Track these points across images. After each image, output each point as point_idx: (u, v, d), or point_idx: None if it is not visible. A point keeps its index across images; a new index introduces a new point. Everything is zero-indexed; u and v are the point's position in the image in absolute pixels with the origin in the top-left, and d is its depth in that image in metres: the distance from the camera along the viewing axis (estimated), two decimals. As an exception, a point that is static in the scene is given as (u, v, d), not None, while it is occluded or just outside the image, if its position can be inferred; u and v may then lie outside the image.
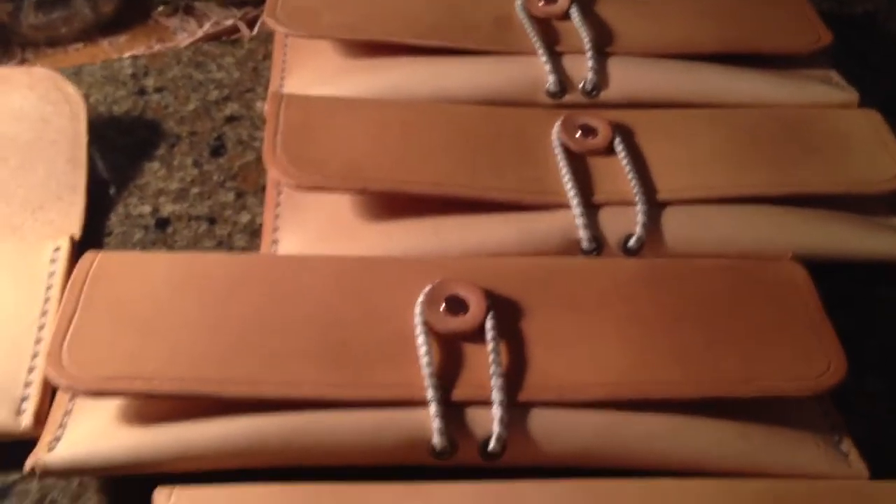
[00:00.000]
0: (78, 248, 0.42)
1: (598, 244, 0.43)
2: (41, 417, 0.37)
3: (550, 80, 0.49)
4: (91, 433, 0.35)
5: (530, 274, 0.40)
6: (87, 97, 0.49)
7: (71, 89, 0.48)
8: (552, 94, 0.49)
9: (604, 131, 0.46)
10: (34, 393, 0.37)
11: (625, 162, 0.44)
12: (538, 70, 0.50)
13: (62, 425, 0.36)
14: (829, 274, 0.41)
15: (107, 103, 0.52)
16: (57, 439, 0.35)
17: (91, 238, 0.44)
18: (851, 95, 0.50)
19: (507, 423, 0.35)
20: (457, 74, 0.50)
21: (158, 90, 0.53)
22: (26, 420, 0.36)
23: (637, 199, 0.43)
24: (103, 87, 0.53)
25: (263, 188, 0.46)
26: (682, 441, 0.36)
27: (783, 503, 0.33)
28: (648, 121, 0.47)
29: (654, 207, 0.43)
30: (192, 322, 0.37)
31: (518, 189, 0.44)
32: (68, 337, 0.36)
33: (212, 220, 0.46)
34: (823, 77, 0.52)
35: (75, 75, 0.52)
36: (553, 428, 0.36)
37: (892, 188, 0.45)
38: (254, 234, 0.46)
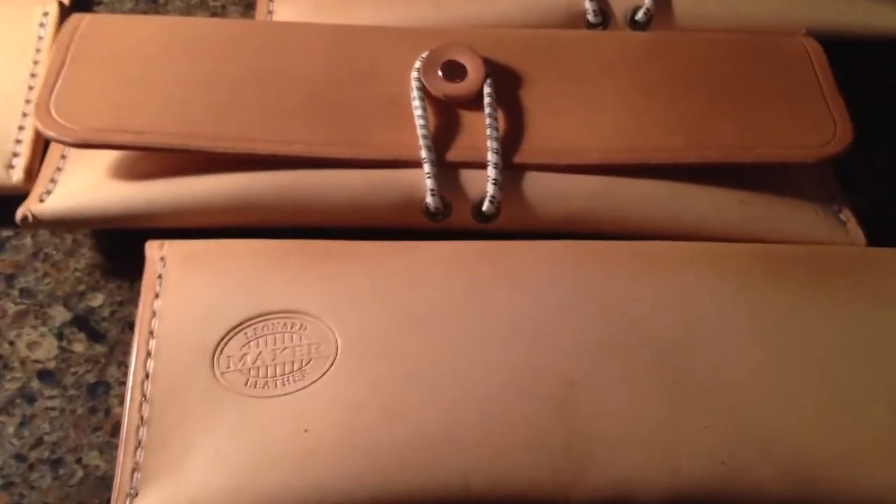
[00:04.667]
0: (67, 15, 0.40)
1: (605, 17, 0.41)
2: (32, 173, 0.36)
3: None
4: (82, 186, 0.35)
5: (532, 44, 0.39)
6: None
7: None
8: None
9: None
10: (25, 149, 0.37)
11: (637, -66, 0.42)
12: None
13: (53, 180, 0.36)
14: (844, 56, 0.40)
15: None
16: (48, 192, 0.35)
17: (80, 6, 0.43)
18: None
19: (501, 184, 0.35)
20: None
21: None
22: (17, 174, 0.36)
23: (648, -30, 0.41)
24: None
25: (259, -39, 0.45)
26: (679, 206, 0.35)
27: (779, 265, 0.33)
28: None
29: (666, -21, 0.41)
30: (184, 78, 0.36)
31: (524, -40, 0.42)
32: (56, 89, 0.35)
33: (205, -8, 0.45)
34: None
35: None
36: (549, 191, 0.35)
37: (915, -36, 0.43)
38: (248, 6, 0.44)
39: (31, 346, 0.34)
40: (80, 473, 0.32)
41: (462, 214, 0.35)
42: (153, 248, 0.33)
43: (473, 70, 0.37)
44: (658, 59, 0.38)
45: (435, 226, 0.35)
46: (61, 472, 0.32)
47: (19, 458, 0.32)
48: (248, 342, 0.31)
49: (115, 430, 0.32)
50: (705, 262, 0.33)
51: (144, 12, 0.44)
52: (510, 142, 0.36)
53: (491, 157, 0.35)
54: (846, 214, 0.36)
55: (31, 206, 0.34)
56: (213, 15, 0.44)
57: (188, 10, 0.44)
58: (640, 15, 0.41)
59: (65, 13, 0.41)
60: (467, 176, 0.35)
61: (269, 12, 0.42)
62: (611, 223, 0.36)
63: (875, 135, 0.41)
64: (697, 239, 0.35)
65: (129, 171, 0.35)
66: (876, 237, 0.36)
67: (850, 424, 0.30)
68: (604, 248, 0.34)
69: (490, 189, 0.35)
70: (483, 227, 0.35)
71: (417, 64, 0.37)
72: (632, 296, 0.32)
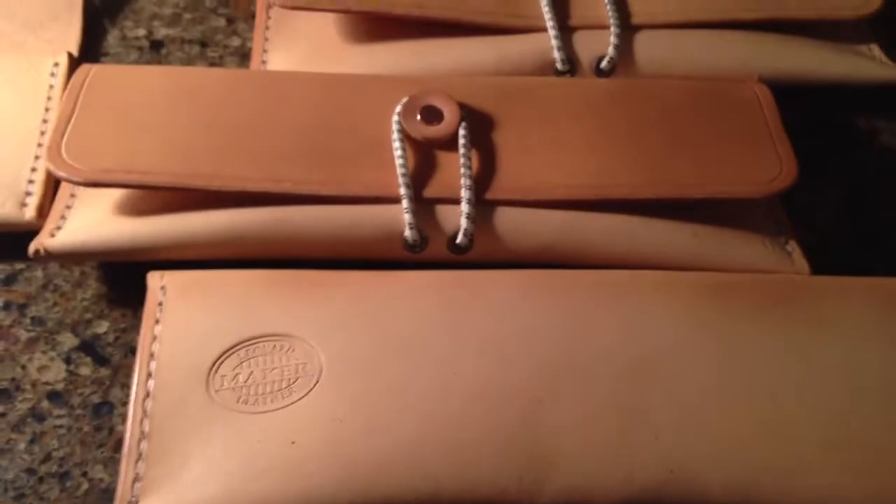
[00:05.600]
0: (76, 66, 0.44)
1: (572, 66, 0.45)
2: (44, 210, 0.39)
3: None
4: (90, 222, 0.38)
5: (504, 90, 0.42)
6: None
7: (67, -85, 0.49)
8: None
9: (584, -41, 0.47)
10: (37, 189, 0.40)
11: (603, -13, 0.46)
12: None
13: (63, 217, 0.39)
14: (799, 100, 0.44)
15: (102, -67, 0.53)
16: (58, 228, 0.38)
17: (89, 58, 0.46)
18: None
19: (474, 218, 0.38)
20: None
21: (152, -79, 0.54)
22: (30, 212, 0.39)
23: (611, 22, 0.45)
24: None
25: (253, 15, 0.48)
26: (638, 238, 0.39)
27: (729, 292, 0.36)
28: (630, -51, 0.48)
29: (628, 30, 0.45)
30: (184, 123, 0.39)
31: (497, 12, 0.45)
32: (67, 133, 0.38)
33: (203, 44, 0.48)
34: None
35: None
36: (518, 224, 0.38)
37: (860, 15, 0.46)
38: (244, 56, 0.48)
39: (41, 369, 0.37)
40: (85, 486, 0.34)
41: (438, 246, 0.38)
42: (154, 278, 0.36)
43: (449, 114, 0.40)
44: (621, 104, 0.41)
45: (413, 257, 0.38)
46: (68, 484, 0.34)
47: (30, 472, 0.34)
48: (241, 363, 0.34)
49: (118, 446, 0.35)
50: (662, 290, 0.36)
51: (148, 62, 0.47)
52: (483, 179, 0.39)
53: (464, 193, 0.38)
54: (792, 246, 0.39)
55: (42, 241, 0.37)
56: (212, 65, 0.48)
57: (189, 61, 0.48)
58: (604, 63, 0.44)
59: (74, 64, 0.44)
60: (443, 211, 0.38)
61: (263, 62, 0.46)
62: (576, 254, 0.39)
63: (823, 172, 0.44)
64: (655, 268, 0.38)
65: (133, 209, 0.38)
66: (821, 266, 0.39)
67: (791, 437, 0.33)
68: (569, 276, 0.37)
69: (463, 223, 0.38)
70: (458, 259, 0.38)
71: (398, 108, 0.40)
72: (594, 320, 0.35)
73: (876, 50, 0.47)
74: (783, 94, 0.42)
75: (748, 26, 0.46)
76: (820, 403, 0.33)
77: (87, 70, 0.41)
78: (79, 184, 0.37)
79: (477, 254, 0.38)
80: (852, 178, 0.45)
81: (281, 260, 0.38)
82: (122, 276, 0.40)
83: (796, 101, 0.43)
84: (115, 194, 0.39)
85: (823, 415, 0.33)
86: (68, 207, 0.39)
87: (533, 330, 0.35)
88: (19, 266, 0.40)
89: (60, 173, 0.37)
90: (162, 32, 0.48)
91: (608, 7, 0.45)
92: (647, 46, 0.45)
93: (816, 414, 0.33)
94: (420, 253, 0.38)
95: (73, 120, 0.39)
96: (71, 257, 0.38)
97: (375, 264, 0.38)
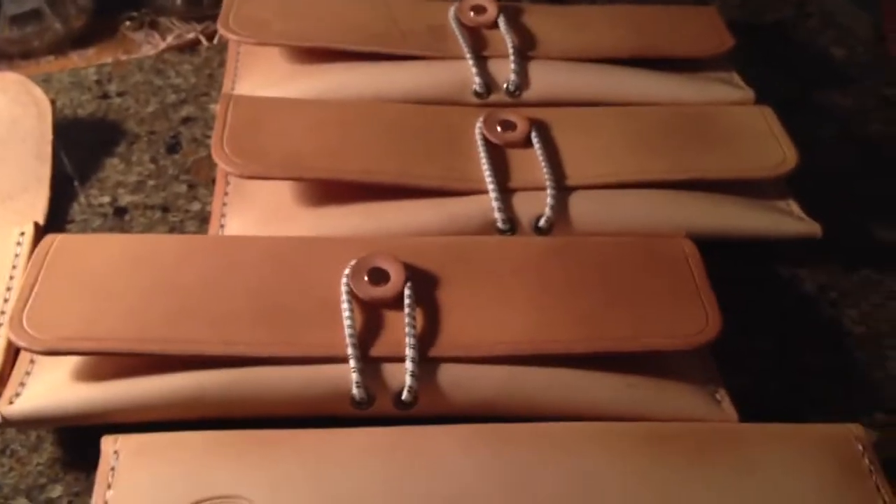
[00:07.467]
0: (42, 234, 0.46)
1: (512, 225, 0.47)
2: (3, 378, 0.41)
3: (477, 82, 0.54)
4: (48, 389, 0.40)
5: (448, 250, 0.44)
6: (54, 101, 0.53)
7: (38, 92, 0.53)
8: (478, 95, 0.54)
9: (522, 126, 0.50)
10: (-2, 356, 0.41)
11: (539, 152, 0.49)
12: (466, 73, 0.55)
13: (23, 384, 0.40)
14: (727, 253, 0.47)
15: (73, 106, 0.56)
16: (17, 395, 0.40)
17: (55, 225, 0.49)
18: (748, 94, 0.56)
19: (418, 376, 0.39)
20: (392, 77, 0.55)
21: (121, 94, 0.58)
22: (-10, 379, 0.41)
23: (548, 184, 0.48)
24: (70, 92, 0.57)
25: (214, 181, 0.51)
26: (576, 391, 0.40)
27: (662, 441, 0.38)
28: (564, 117, 0.52)
29: (563, 192, 0.48)
30: (141, 290, 0.41)
31: (442, 177, 0.49)
32: (28, 304, 0.40)
33: (165, 209, 0.51)
34: (724, 78, 0.57)
35: (45, 81, 0.57)
36: (460, 380, 0.40)
37: (777, 174, 0.50)
38: (203, 220, 0.50)
39: (-7, 536, 0.38)
40: None
41: (384, 403, 0.40)
42: (108, 443, 0.37)
43: (395, 275, 0.42)
44: (558, 261, 0.44)
45: (361, 413, 0.40)
46: None
47: None
48: (190, 526, 0.35)
49: None
50: (599, 441, 0.38)
51: (111, 228, 0.50)
52: (427, 337, 0.41)
53: (409, 352, 0.40)
54: (721, 394, 0.41)
55: (1, 409, 0.39)
56: (172, 229, 0.50)
57: (151, 225, 0.50)
58: (542, 222, 0.47)
59: (40, 233, 0.47)
60: (389, 369, 0.40)
61: (222, 225, 0.48)
62: (518, 406, 0.40)
63: (750, 320, 0.47)
64: (592, 418, 0.40)
65: (91, 374, 0.40)
66: (751, 412, 0.40)
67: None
68: (509, 431, 0.38)
69: (408, 380, 0.39)
70: (403, 414, 0.40)
71: (347, 271, 0.42)
72: (532, 474, 0.36)
73: (793, 205, 0.50)
74: (709, 246, 0.45)
75: (674, 186, 0.49)
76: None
77: (50, 241, 0.43)
78: (38, 353, 0.39)
79: (422, 409, 0.40)
80: (778, 326, 0.47)
81: (235, 422, 0.39)
82: (78, 439, 0.41)
83: (721, 252, 0.46)
84: (74, 360, 0.40)
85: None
86: (28, 374, 0.41)
87: (472, 486, 0.36)
88: (-23, 433, 0.41)
89: (21, 343, 0.39)
90: (126, 199, 0.51)
91: (545, 170, 0.48)
92: (582, 206, 0.48)
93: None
94: (367, 409, 0.40)
95: (34, 290, 0.41)
96: (30, 424, 0.39)
97: (325, 420, 0.39)
